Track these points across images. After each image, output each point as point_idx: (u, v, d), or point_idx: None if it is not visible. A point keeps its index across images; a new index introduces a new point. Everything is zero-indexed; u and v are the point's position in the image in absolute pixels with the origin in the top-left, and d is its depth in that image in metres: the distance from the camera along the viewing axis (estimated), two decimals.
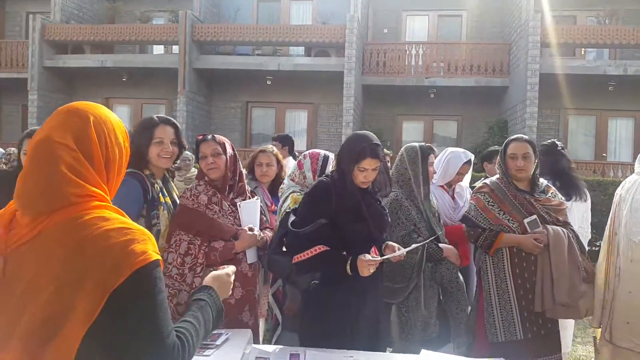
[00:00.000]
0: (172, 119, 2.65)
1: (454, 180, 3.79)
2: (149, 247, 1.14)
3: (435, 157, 3.79)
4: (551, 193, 3.20)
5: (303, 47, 14.10)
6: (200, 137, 2.72)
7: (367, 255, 2.38)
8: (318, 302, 2.50)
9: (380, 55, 13.30)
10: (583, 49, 13.09)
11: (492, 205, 3.10)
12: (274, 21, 14.69)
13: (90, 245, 1.10)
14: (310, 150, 3.21)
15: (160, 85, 14.28)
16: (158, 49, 15.68)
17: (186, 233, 2.50)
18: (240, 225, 2.65)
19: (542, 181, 3.24)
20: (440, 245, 3.11)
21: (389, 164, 3.13)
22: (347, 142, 2.57)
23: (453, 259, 3.13)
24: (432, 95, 13.21)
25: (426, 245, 2.97)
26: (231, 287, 1.55)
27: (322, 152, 3.19)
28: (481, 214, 3.12)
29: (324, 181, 2.57)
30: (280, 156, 3.69)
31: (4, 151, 7.90)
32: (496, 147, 4.68)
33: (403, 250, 2.52)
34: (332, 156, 3.11)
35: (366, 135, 2.54)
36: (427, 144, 3.37)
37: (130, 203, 2.35)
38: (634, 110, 12.95)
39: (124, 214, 1.22)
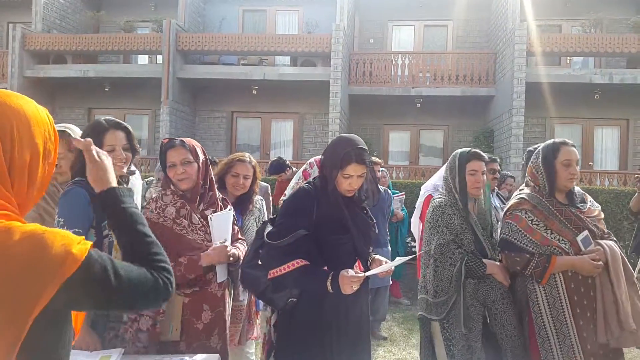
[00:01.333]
0: (123, 122, 2.42)
1: None
2: (71, 246, 1.00)
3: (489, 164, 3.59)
4: (590, 202, 2.86)
5: (289, 57, 13.98)
6: (166, 141, 2.47)
7: (350, 270, 2.18)
8: (295, 321, 2.32)
9: (366, 65, 13.22)
10: (569, 57, 13.11)
11: (537, 224, 2.69)
12: (260, 31, 14.58)
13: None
14: (316, 157, 2.97)
15: (144, 95, 14.06)
16: (143, 59, 15.48)
17: None
18: (211, 240, 2.44)
19: (577, 189, 2.88)
20: (485, 260, 2.80)
21: (380, 173, 2.99)
22: (331, 146, 2.38)
23: (499, 278, 2.79)
24: (418, 105, 13.14)
25: (465, 259, 2.76)
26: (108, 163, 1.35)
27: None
28: (525, 235, 2.70)
29: (304, 188, 2.39)
30: (258, 168, 3.39)
31: None
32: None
33: (390, 265, 2.34)
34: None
35: (351, 138, 2.34)
36: (472, 150, 3.02)
37: (77, 214, 2.17)
38: (620, 118, 12.98)
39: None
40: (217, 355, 2.22)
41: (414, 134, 14.20)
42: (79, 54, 14.14)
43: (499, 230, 2.95)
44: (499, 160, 4.63)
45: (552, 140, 2.88)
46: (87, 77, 13.60)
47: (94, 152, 1.33)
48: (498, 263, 2.83)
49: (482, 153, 2.99)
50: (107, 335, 2.31)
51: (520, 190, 2.92)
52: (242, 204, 3.27)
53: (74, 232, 2.18)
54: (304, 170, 2.99)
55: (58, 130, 2.81)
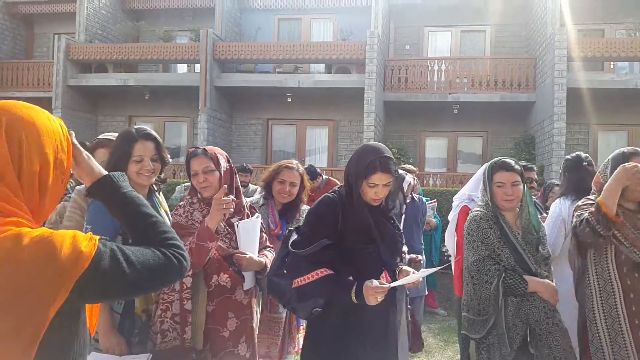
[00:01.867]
0: (153, 132, 2.44)
1: None
2: (79, 245, 1.03)
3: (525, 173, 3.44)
4: None
5: (324, 64, 14.01)
6: (191, 150, 2.50)
7: (374, 281, 2.12)
8: (320, 332, 2.27)
9: (401, 71, 13.11)
10: (612, 62, 12.66)
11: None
12: (295, 38, 14.67)
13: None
14: None
15: (183, 103, 14.33)
16: (181, 68, 15.80)
17: None
18: (237, 247, 2.42)
19: None
20: (527, 277, 2.63)
21: (413, 180, 2.91)
22: (356, 155, 2.32)
23: (545, 296, 2.63)
24: (455, 111, 12.93)
25: (502, 276, 2.62)
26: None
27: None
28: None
29: (329, 197, 2.34)
30: (305, 176, 3.33)
31: None
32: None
33: (417, 276, 2.25)
34: (409, 178, 2.84)
35: (376, 147, 2.29)
36: (501, 159, 2.84)
37: (104, 221, 2.17)
38: None
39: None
40: None
41: (451, 141, 13.98)
42: (119, 63, 14.56)
43: (548, 242, 2.81)
44: (535, 168, 4.37)
45: (621, 150, 2.78)
46: (127, 86, 13.96)
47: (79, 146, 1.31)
48: (543, 280, 2.66)
49: (512, 163, 2.80)
50: (133, 339, 2.32)
51: (587, 198, 2.81)
52: (288, 212, 3.23)
53: (100, 239, 2.23)
54: None
55: (105, 139, 2.88)
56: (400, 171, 2.90)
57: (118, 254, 1.09)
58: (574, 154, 3.69)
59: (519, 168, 2.80)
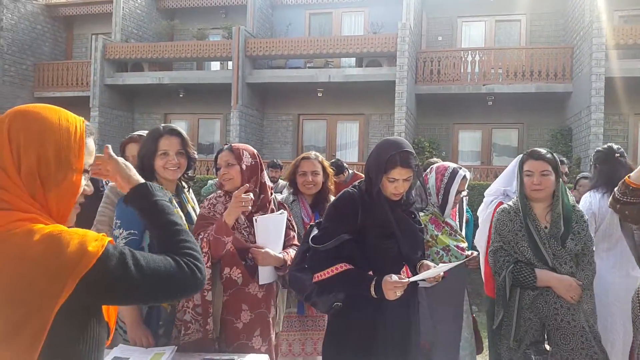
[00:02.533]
0: (179, 128, 2.53)
1: None
2: (87, 244, 1.05)
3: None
4: None
5: (354, 58, 13.96)
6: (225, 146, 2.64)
7: (393, 275, 2.11)
8: (341, 326, 2.29)
9: (434, 63, 12.95)
10: None
11: None
12: (326, 33, 14.67)
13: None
14: (439, 164, 2.94)
15: (216, 100, 14.53)
16: (215, 65, 16.01)
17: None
18: (254, 242, 2.47)
19: None
20: (538, 271, 2.58)
21: (468, 174, 2.89)
22: (376, 149, 2.32)
23: (560, 292, 2.54)
24: (490, 103, 12.70)
25: (510, 268, 2.59)
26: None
27: (451, 166, 2.86)
28: None
29: (349, 192, 2.34)
30: (326, 163, 3.31)
31: None
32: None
33: (437, 270, 2.23)
34: (463, 172, 2.78)
35: (397, 141, 2.28)
36: (533, 149, 2.81)
37: (134, 216, 2.24)
38: None
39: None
40: (266, 356, 2.24)
41: (485, 133, 13.74)
42: (154, 61, 14.87)
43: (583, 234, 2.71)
44: (565, 161, 4.24)
45: None
46: (162, 84, 14.25)
47: (115, 155, 1.39)
48: (558, 275, 2.58)
49: (542, 151, 2.73)
50: (159, 330, 2.38)
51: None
52: (319, 204, 3.23)
53: (130, 234, 2.29)
54: (425, 175, 2.87)
55: (136, 135, 2.97)
56: (452, 165, 2.91)
57: (127, 257, 1.10)
58: (605, 145, 3.58)
59: (551, 157, 2.70)
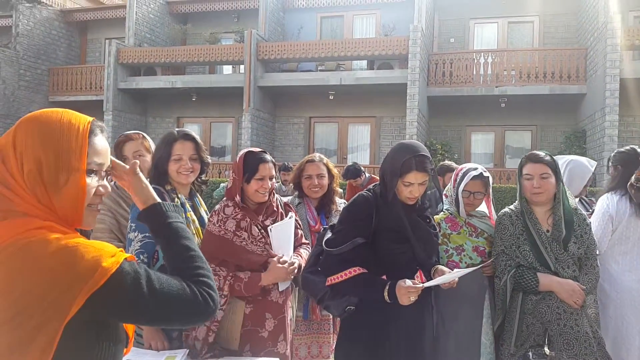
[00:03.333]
0: (193, 133, 2.51)
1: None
2: (102, 260, 1.04)
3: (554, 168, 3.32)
4: None
5: (366, 61, 13.95)
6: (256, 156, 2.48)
7: (407, 280, 2.10)
8: (353, 330, 2.28)
9: (446, 65, 12.90)
10: None
11: None
12: (337, 36, 14.69)
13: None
14: (466, 164, 2.90)
15: (228, 103, 14.61)
16: (227, 69, 16.10)
17: (209, 263, 2.30)
18: (272, 249, 2.45)
19: None
20: (541, 275, 2.53)
21: (453, 175, 2.84)
22: (391, 153, 2.29)
23: (563, 296, 2.48)
24: (502, 105, 12.62)
25: (511, 272, 2.55)
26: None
27: (467, 166, 2.80)
28: None
29: (364, 195, 2.33)
30: (331, 165, 3.27)
31: None
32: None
33: (453, 275, 2.20)
34: (476, 171, 2.70)
35: (412, 145, 2.26)
36: (532, 152, 2.76)
37: None
38: None
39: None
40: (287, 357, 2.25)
41: (498, 135, 13.65)
42: (167, 65, 14.98)
43: (586, 238, 2.67)
44: None
45: None
46: (175, 88, 14.35)
47: (140, 173, 1.37)
48: (561, 279, 2.53)
49: (541, 154, 2.67)
50: (172, 333, 2.39)
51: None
52: (325, 207, 3.21)
53: (145, 237, 2.29)
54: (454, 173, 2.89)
55: (132, 133, 2.85)
56: (470, 165, 2.84)
57: (142, 277, 1.09)
58: (628, 147, 3.50)
59: (550, 160, 2.64)
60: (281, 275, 2.36)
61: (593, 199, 4.36)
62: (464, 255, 2.71)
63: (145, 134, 2.87)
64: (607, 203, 3.30)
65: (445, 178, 5.37)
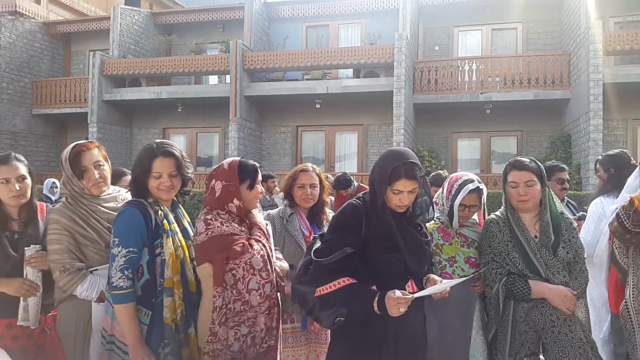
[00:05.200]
0: (173, 149, 2.42)
1: None
2: None
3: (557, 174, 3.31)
4: None
5: (352, 70, 13.99)
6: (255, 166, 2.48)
7: (397, 291, 2.02)
8: (343, 342, 2.22)
9: (431, 73, 12.97)
10: None
11: None
12: (323, 45, 14.72)
13: None
14: (457, 174, 2.81)
15: (214, 113, 14.56)
16: (213, 79, 16.05)
17: (240, 258, 2.27)
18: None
19: None
20: (532, 282, 2.50)
21: (446, 183, 2.78)
22: (380, 161, 2.25)
23: (555, 303, 2.46)
24: (488, 111, 12.71)
25: (503, 280, 2.51)
26: None
27: (464, 178, 2.70)
28: None
29: (353, 204, 2.26)
30: (323, 176, 3.25)
31: (54, 181, 8.16)
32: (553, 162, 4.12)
33: (445, 285, 2.13)
34: (474, 185, 2.61)
35: (401, 152, 2.21)
36: (516, 158, 2.70)
37: (132, 234, 2.22)
38: None
39: None
40: None
41: (484, 141, 13.74)
42: (152, 76, 14.90)
43: (587, 243, 2.64)
44: (566, 168, 4.09)
45: None
46: (160, 99, 14.28)
47: None
48: (553, 286, 2.49)
49: (525, 161, 2.63)
50: (162, 350, 2.32)
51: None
52: (315, 217, 3.19)
53: (129, 252, 2.22)
54: (446, 182, 2.84)
55: (89, 142, 2.69)
56: (466, 176, 2.76)
57: None
58: (616, 150, 3.50)
59: (535, 166, 2.61)
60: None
61: (574, 202, 4.36)
62: (457, 267, 2.67)
63: (99, 143, 2.71)
64: (601, 207, 3.27)
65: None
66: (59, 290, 2.40)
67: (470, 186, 2.63)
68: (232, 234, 2.30)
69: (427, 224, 2.61)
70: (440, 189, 2.84)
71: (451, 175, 2.84)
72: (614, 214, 2.46)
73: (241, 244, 2.29)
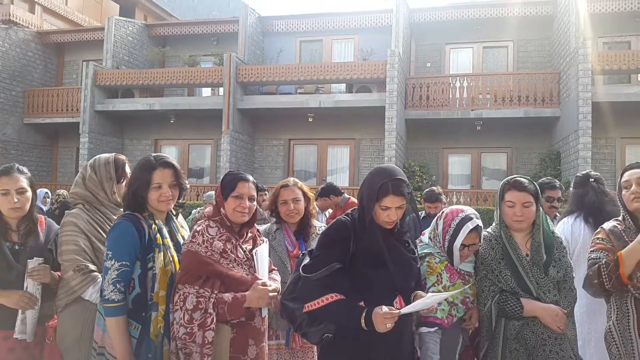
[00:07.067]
0: (171, 160, 2.47)
1: None
2: None
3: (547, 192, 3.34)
4: None
5: (344, 84, 14.10)
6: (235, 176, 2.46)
7: (384, 307, 2.04)
8: (332, 357, 2.23)
9: (423, 89, 13.10)
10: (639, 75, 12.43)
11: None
12: (316, 59, 14.82)
13: None
14: (452, 208, 2.66)
15: (206, 125, 14.57)
16: (206, 92, 16.09)
17: (192, 285, 2.20)
18: (254, 273, 2.38)
19: None
20: (524, 300, 2.48)
21: (442, 220, 2.66)
22: (368, 177, 2.27)
23: (546, 321, 2.46)
24: (478, 128, 12.83)
25: (495, 298, 2.50)
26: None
27: (461, 215, 2.56)
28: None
29: (342, 220, 2.29)
30: (306, 188, 3.24)
31: (47, 191, 8.12)
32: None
33: (432, 301, 2.14)
34: (472, 223, 2.50)
35: (389, 169, 2.24)
36: (514, 178, 2.67)
37: (125, 247, 2.22)
38: None
39: None
40: None
41: (474, 157, 13.84)
42: (145, 88, 14.91)
43: (564, 261, 2.67)
44: (558, 186, 4.07)
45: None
46: (153, 110, 14.27)
47: None
48: (544, 305, 2.49)
49: (525, 182, 2.62)
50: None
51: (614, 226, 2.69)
52: (303, 230, 3.17)
53: (122, 265, 2.23)
54: (438, 217, 2.69)
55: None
56: (464, 212, 2.62)
57: None
58: (583, 172, 3.61)
59: (533, 188, 2.62)
60: (264, 296, 2.29)
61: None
62: (458, 309, 2.58)
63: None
64: (562, 228, 3.41)
65: (437, 204, 5.36)
66: (66, 293, 2.42)
67: (470, 225, 2.52)
68: (200, 260, 2.25)
69: (435, 260, 2.57)
70: (434, 224, 2.71)
71: (444, 211, 2.71)
72: (595, 268, 2.51)
73: (202, 278, 2.24)
